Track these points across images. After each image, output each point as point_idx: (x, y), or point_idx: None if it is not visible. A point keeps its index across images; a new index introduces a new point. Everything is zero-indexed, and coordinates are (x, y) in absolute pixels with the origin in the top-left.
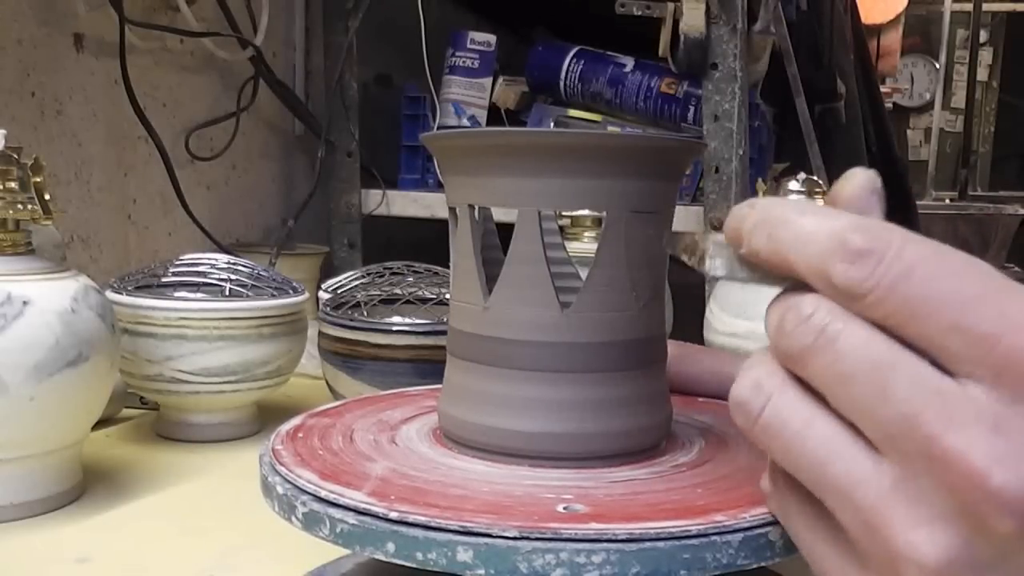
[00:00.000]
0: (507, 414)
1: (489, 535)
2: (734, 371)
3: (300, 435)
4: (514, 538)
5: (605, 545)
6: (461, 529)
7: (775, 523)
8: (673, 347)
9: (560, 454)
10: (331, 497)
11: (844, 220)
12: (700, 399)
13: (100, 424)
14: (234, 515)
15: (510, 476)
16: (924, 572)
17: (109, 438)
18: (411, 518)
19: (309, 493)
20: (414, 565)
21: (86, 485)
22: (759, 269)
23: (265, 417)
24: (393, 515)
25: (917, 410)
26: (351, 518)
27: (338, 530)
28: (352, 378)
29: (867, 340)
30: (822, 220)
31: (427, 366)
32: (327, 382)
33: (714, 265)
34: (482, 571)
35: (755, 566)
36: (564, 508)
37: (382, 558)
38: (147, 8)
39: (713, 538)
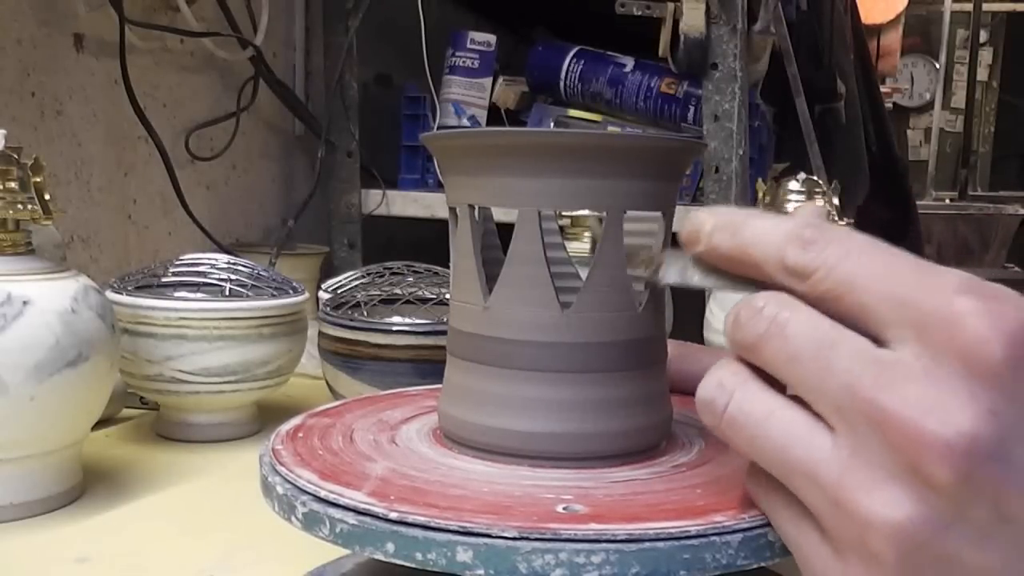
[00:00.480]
0: (507, 414)
1: (489, 535)
2: None
3: (300, 435)
4: (514, 538)
5: (605, 545)
6: (461, 529)
7: None
8: (673, 347)
9: (560, 454)
10: (331, 497)
11: (799, 220)
12: None
13: (100, 424)
14: (234, 515)
15: (510, 476)
16: (890, 535)
17: (109, 438)
18: (411, 518)
19: (309, 493)
20: (414, 565)
21: (86, 485)
22: (712, 271)
23: (265, 417)
24: (393, 515)
25: (857, 378)
26: (351, 518)
27: (338, 530)
28: (352, 378)
29: (811, 322)
30: (778, 221)
31: (427, 366)
32: (327, 382)
33: (668, 272)
34: (482, 571)
35: (755, 566)
36: (564, 508)
37: (382, 558)
38: (147, 8)
39: (712, 538)
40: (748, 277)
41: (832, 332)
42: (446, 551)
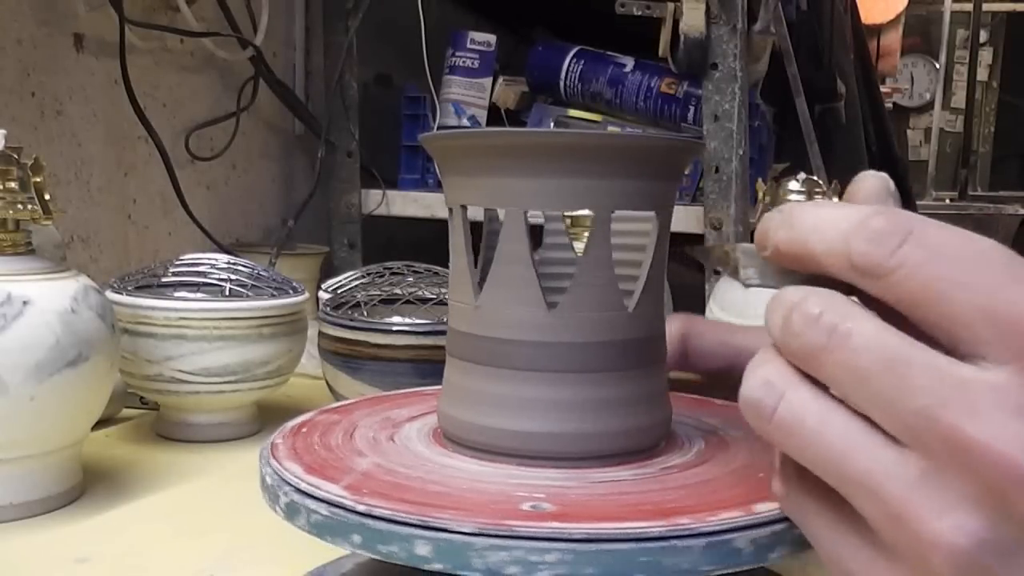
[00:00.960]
0: (500, 414)
1: (447, 530)
2: (740, 342)
3: (304, 430)
4: (471, 534)
5: (560, 544)
6: (421, 523)
7: (747, 528)
8: (678, 321)
9: (553, 453)
10: (309, 489)
11: (864, 207)
12: (717, 402)
13: (100, 424)
14: (234, 515)
15: (494, 475)
16: (954, 558)
17: (109, 438)
18: (376, 511)
19: (291, 484)
20: (379, 558)
21: (86, 485)
22: (787, 272)
23: (265, 417)
24: (360, 508)
25: (937, 402)
26: (324, 509)
27: (312, 520)
28: (352, 378)
29: (879, 335)
30: (841, 208)
31: (427, 366)
32: (327, 382)
33: (748, 275)
34: (439, 566)
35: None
36: (531, 506)
37: (350, 550)
38: (147, 8)
39: (674, 542)
40: (820, 276)
41: (904, 347)
42: (406, 544)
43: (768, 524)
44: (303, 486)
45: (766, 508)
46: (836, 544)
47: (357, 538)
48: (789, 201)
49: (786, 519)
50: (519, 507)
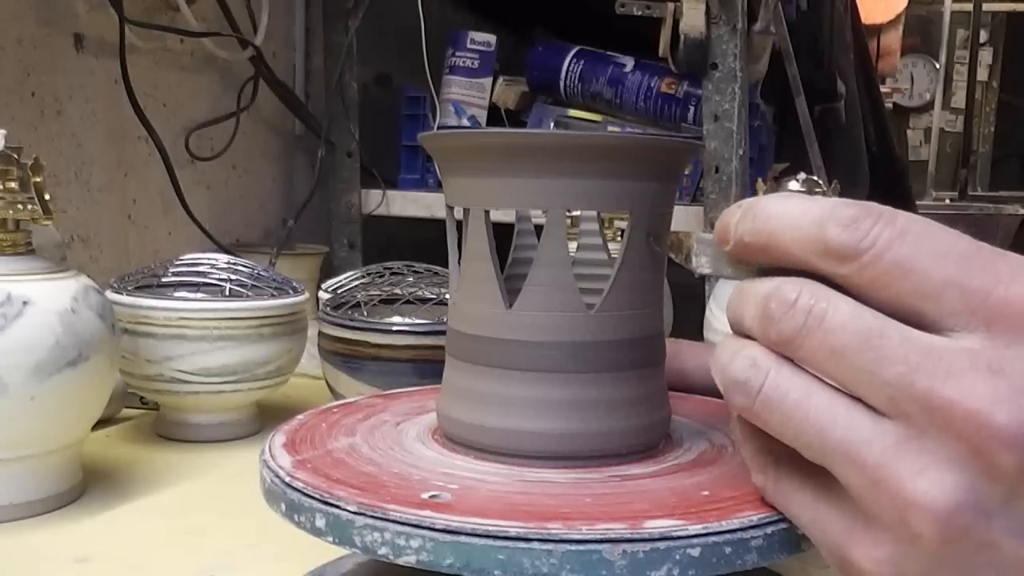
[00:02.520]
0: (504, 413)
1: (338, 507)
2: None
3: (310, 421)
4: (354, 512)
5: (423, 532)
6: (322, 499)
7: (617, 541)
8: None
9: (544, 452)
10: (271, 463)
11: (830, 200)
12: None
13: (100, 424)
14: (234, 515)
15: (448, 466)
16: (933, 516)
17: (109, 438)
18: (297, 484)
19: (268, 457)
20: (293, 526)
21: (86, 485)
22: (744, 265)
23: (265, 417)
24: (289, 480)
25: (913, 368)
26: (270, 477)
27: (265, 487)
28: (352, 378)
29: (854, 313)
30: (807, 200)
31: (427, 366)
32: (327, 382)
33: (700, 262)
34: (330, 538)
35: (758, 566)
36: (431, 495)
37: (278, 516)
38: (147, 8)
39: (533, 544)
40: (780, 267)
41: (878, 322)
42: (310, 516)
43: (652, 540)
44: (272, 463)
45: (656, 525)
46: (818, 521)
47: (283, 506)
48: None
49: (666, 538)
50: (419, 495)
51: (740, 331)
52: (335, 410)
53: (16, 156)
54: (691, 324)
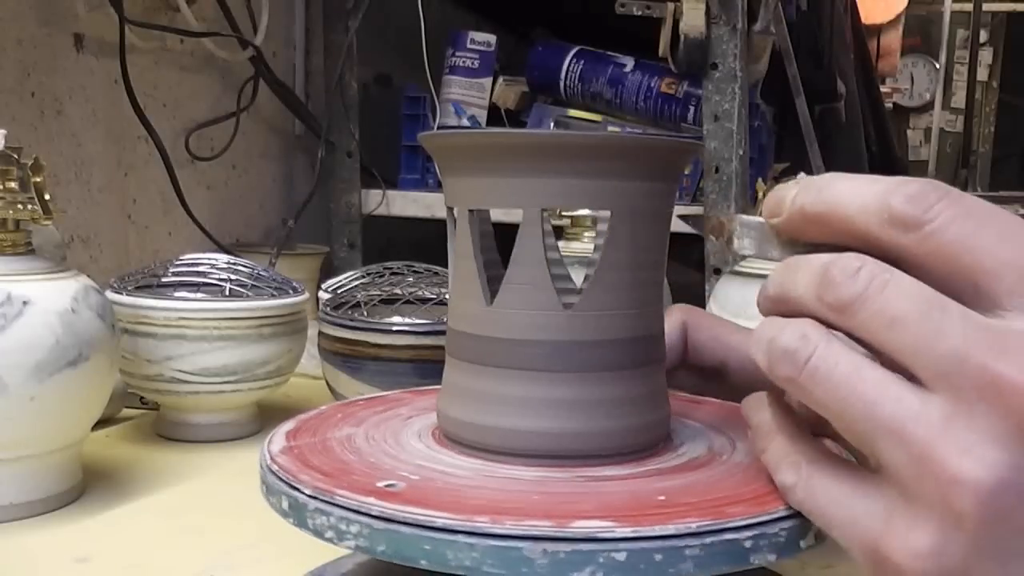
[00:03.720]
0: (471, 407)
1: (299, 491)
2: (733, 341)
3: (328, 411)
4: (308, 496)
5: (361, 518)
6: (289, 483)
7: (537, 540)
8: (678, 312)
9: (516, 450)
10: (264, 449)
11: (894, 178)
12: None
13: (100, 424)
14: (234, 515)
15: (426, 459)
16: (976, 493)
17: (109, 438)
18: (274, 467)
19: (263, 452)
20: (277, 512)
21: (86, 485)
22: (793, 244)
23: (265, 417)
24: (270, 464)
25: (968, 344)
26: (262, 464)
27: (260, 471)
28: (352, 378)
29: (915, 285)
30: (870, 179)
31: (427, 366)
32: (327, 382)
33: (743, 245)
34: (292, 520)
35: (757, 566)
36: (386, 484)
37: (262, 495)
38: (147, 8)
39: (458, 536)
40: (834, 244)
41: (938, 296)
42: (279, 499)
43: (576, 541)
44: (269, 444)
45: (583, 525)
46: (853, 517)
47: (264, 487)
48: None
49: (590, 539)
50: (375, 484)
51: (784, 305)
52: (360, 402)
53: (16, 156)
54: None
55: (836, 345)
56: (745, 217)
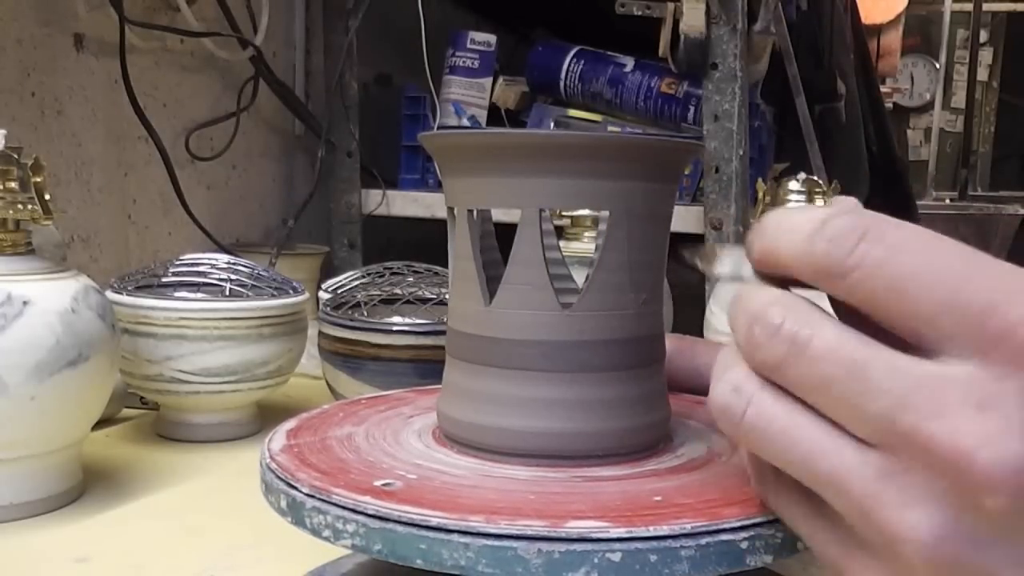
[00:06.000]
0: (469, 407)
1: (298, 490)
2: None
3: (331, 410)
4: (305, 495)
5: (358, 517)
6: (286, 481)
7: (544, 540)
8: (672, 340)
9: (513, 449)
10: (264, 447)
11: (827, 208)
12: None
13: (100, 424)
14: (234, 515)
15: (424, 458)
16: (921, 549)
17: (109, 438)
18: (273, 465)
19: (263, 451)
20: (275, 511)
21: (86, 485)
22: (766, 279)
23: (265, 417)
24: (269, 462)
25: (897, 403)
26: (262, 463)
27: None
28: (352, 378)
29: (838, 342)
30: (806, 212)
31: (427, 366)
32: (327, 382)
33: (722, 263)
34: (290, 519)
35: (759, 566)
36: (383, 483)
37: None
38: (147, 8)
39: (453, 535)
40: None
41: (863, 350)
42: (277, 497)
43: (571, 541)
44: (270, 441)
45: (577, 525)
46: (816, 536)
47: (263, 486)
48: (789, 201)
49: (584, 539)
50: (372, 483)
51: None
52: (363, 401)
53: (16, 156)
54: (691, 324)
55: (768, 396)
56: (733, 246)
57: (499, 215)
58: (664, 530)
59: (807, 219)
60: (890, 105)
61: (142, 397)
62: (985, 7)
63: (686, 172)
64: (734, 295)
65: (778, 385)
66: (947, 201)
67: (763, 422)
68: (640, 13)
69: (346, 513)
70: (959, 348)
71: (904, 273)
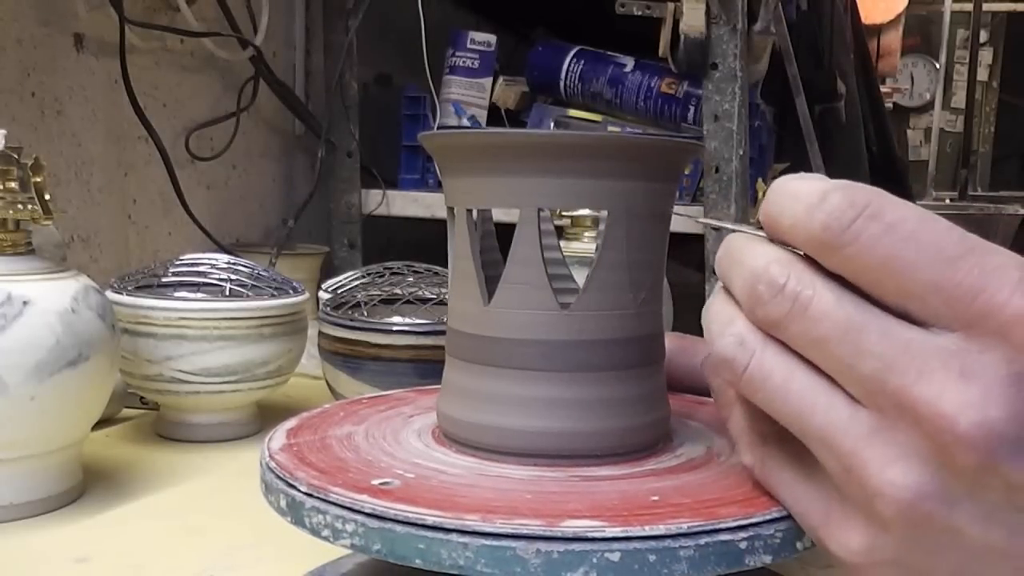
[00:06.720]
0: (467, 406)
1: (296, 489)
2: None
3: (331, 409)
4: (304, 494)
5: (357, 516)
6: (284, 479)
7: (542, 539)
8: (672, 339)
9: (510, 449)
10: (264, 446)
11: (829, 181)
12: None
13: (100, 424)
14: (234, 515)
15: (423, 457)
16: (897, 505)
17: (109, 438)
18: (272, 464)
19: (263, 450)
20: (275, 510)
21: (86, 485)
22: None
23: (265, 417)
24: (268, 461)
25: (888, 364)
26: (262, 462)
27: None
28: (352, 378)
29: (837, 303)
30: (809, 181)
31: (427, 366)
32: (327, 382)
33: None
34: (289, 518)
35: (759, 566)
36: (382, 482)
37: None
38: (147, 8)
39: (451, 535)
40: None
41: (859, 314)
42: (276, 496)
43: (568, 540)
44: (271, 438)
45: (573, 524)
46: (800, 501)
47: (263, 486)
48: None
49: (580, 539)
50: (370, 483)
51: (728, 290)
52: (364, 401)
53: (16, 156)
54: (691, 324)
55: (771, 351)
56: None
57: (499, 215)
58: (660, 529)
59: (809, 190)
60: (890, 105)
61: (142, 397)
62: (985, 7)
63: (686, 172)
64: (723, 245)
65: (779, 340)
66: (947, 201)
67: (761, 376)
68: (640, 13)
69: (345, 513)
70: (945, 323)
71: (897, 250)
